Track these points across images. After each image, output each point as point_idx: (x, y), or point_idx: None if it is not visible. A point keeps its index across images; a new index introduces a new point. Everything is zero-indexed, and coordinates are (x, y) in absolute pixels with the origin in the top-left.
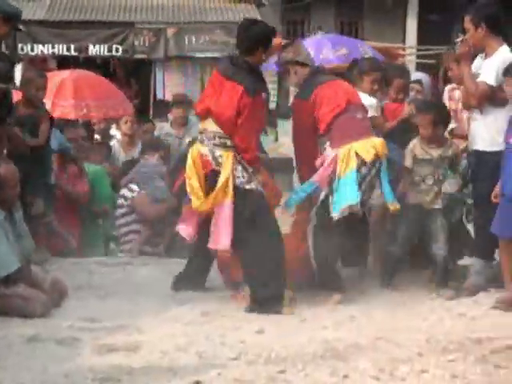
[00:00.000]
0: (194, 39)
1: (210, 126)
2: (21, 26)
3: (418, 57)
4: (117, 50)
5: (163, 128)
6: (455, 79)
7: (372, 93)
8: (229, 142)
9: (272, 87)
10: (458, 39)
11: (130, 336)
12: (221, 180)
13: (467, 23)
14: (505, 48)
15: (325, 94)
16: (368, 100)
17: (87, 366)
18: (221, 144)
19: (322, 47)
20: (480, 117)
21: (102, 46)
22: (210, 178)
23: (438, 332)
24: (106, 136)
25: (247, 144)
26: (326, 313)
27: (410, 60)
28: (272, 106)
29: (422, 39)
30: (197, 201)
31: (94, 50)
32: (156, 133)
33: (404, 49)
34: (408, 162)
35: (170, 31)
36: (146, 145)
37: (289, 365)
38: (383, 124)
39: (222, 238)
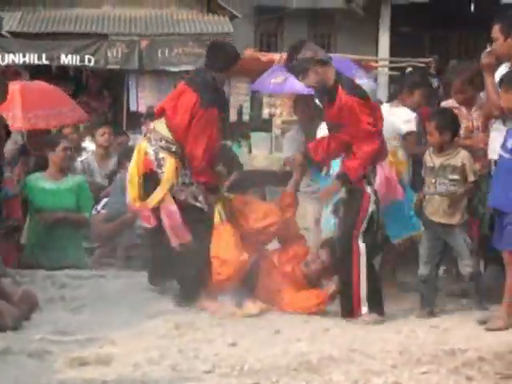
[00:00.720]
0: (167, 51)
1: (161, 127)
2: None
3: (391, 69)
4: (89, 61)
5: (137, 140)
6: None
7: (418, 107)
8: (174, 148)
9: (244, 99)
10: (487, 50)
11: (102, 349)
12: (162, 185)
13: (496, 32)
14: None
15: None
16: (410, 114)
17: (59, 379)
18: (166, 148)
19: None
20: (503, 127)
21: (74, 56)
22: (148, 178)
23: (411, 344)
24: (78, 148)
25: (195, 152)
26: (300, 324)
27: (383, 72)
28: (245, 118)
29: (394, 51)
30: (131, 194)
31: (65, 59)
32: (130, 144)
33: (377, 61)
34: (422, 172)
35: (144, 43)
36: (123, 157)
37: (262, 377)
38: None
39: (181, 234)
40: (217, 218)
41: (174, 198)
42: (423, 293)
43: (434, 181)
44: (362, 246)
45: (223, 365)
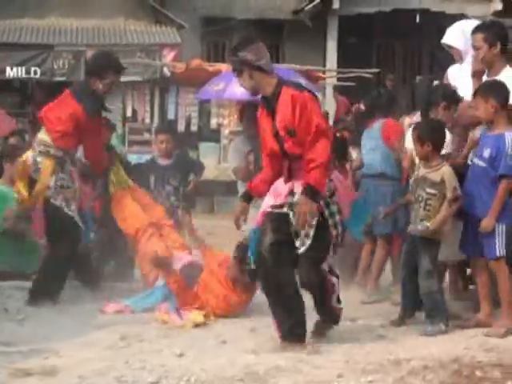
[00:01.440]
0: None
1: (41, 133)
2: None
3: (338, 79)
4: (35, 73)
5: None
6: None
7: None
8: (52, 151)
9: (193, 109)
10: (479, 57)
11: (47, 360)
12: (37, 186)
13: (479, 41)
14: (509, 68)
15: None
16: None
17: None
18: (44, 151)
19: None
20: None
21: (19, 68)
22: (30, 182)
23: (357, 354)
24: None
25: (96, 159)
26: (247, 334)
27: (330, 82)
28: (193, 128)
29: (341, 62)
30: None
31: (11, 72)
32: None
33: (324, 71)
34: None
35: (90, 54)
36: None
37: None
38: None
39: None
40: (111, 187)
41: (49, 200)
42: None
43: (415, 190)
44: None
45: (170, 376)
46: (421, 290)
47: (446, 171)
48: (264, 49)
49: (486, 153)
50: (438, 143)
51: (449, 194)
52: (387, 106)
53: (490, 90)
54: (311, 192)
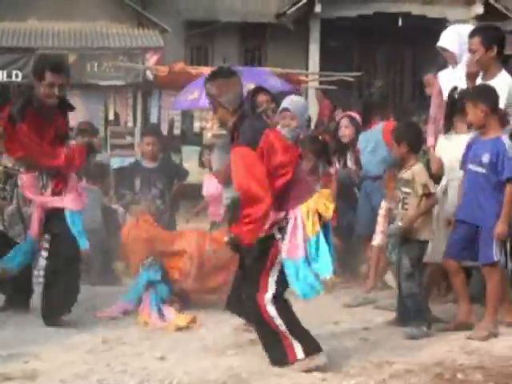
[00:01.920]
0: (96, 65)
1: None
2: None
3: (321, 83)
4: (17, 76)
5: None
6: None
7: None
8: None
9: (176, 113)
10: (473, 59)
11: (27, 364)
12: None
13: (476, 44)
14: (505, 72)
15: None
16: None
17: None
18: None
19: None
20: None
21: (0, 71)
22: None
23: (340, 356)
24: None
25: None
26: (229, 338)
27: (313, 86)
28: (176, 132)
29: (324, 65)
30: None
31: None
32: None
33: (307, 75)
34: None
35: (72, 57)
36: None
37: None
38: None
39: None
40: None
41: None
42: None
43: (397, 192)
44: (271, 310)
45: (152, 379)
46: (403, 292)
47: (415, 169)
48: (234, 84)
49: (485, 158)
50: (414, 144)
51: (419, 191)
52: (382, 106)
53: (479, 94)
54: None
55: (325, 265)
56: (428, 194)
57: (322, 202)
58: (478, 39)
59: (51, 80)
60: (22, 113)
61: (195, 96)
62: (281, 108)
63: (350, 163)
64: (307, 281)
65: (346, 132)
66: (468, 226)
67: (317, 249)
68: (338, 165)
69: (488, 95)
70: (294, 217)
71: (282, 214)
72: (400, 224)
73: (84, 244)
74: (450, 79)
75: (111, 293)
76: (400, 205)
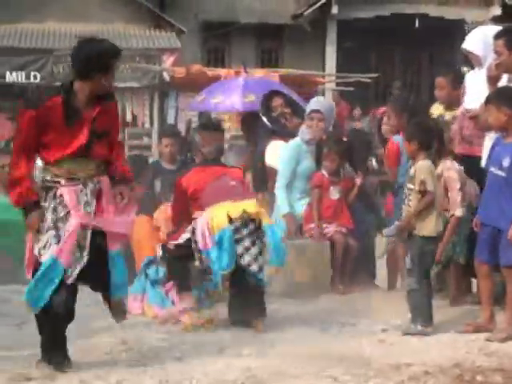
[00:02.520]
0: None
1: None
2: None
3: (338, 84)
4: (35, 77)
5: None
6: None
7: None
8: None
9: (193, 114)
10: (495, 62)
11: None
12: None
13: (500, 47)
14: None
15: None
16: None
17: None
18: None
19: (232, 93)
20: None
21: (19, 73)
22: None
23: (358, 358)
24: None
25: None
26: (248, 339)
27: (330, 87)
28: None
29: (340, 67)
30: None
31: (11, 77)
32: None
33: (323, 76)
34: None
35: None
36: None
37: None
38: None
39: None
40: None
41: None
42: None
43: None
44: None
45: (170, 380)
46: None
47: (418, 165)
48: (220, 138)
49: (506, 162)
50: (424, 142)
51: (416, 187)
52: (417, 108)
53: (502, 97)
54: None
55: (276, 257)
56: (424, 191)
57: (237, 207)
58: (503, 41)
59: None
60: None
61: (218, 100)
62: (309, 109)
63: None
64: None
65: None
66: (490, 228)
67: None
68: (374, 161)
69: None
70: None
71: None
72: (397, 223)
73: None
74: (474, 81)
75: None
76: (406, 201)
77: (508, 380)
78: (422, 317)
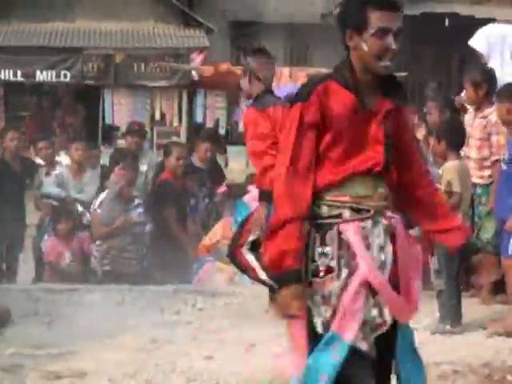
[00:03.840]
0: (142, 65)
1: None
2: None
3: None
4: (65, 76)
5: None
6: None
7: None
8: None
9: (221, 113)
10: None
11: (76, 363)
12: None
13: None
14: None
15: None
16: None
17: None
18: None
19: None
20: None
21: (49, 71)
22: None
23: None
24: (52, 162)
25: None
26: (275, 338)
27: None
28: (222, 131)
29: None
30: None
31: (41, 76)
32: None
33: None
34: None
35: (119, 57)
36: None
37: None
38: None
39: None
40: None
41: None
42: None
43: None
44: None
45: (198, 379)
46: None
47: (446, 165)
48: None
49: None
50: (453, 142)
51: (443, 187)
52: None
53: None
54: None
55: None
56: (450, 192)
57: None
58: None
59: (383, 24)
60: None
61: None
62: None
63: None
64: None
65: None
66: (502, 222)
67: None
68: None
69: None
70: None
71: None
72: None
73: None
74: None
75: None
76: None
77: None
78: (451, 316)
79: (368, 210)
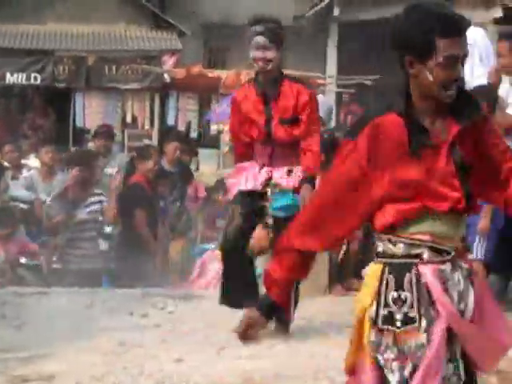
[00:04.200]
0: (114, 68)
1: None
2: None
3: (338, 86)
4: (35, 79)
5: None
6: None
7: None
8: None
9: (193, 116)
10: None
11: (44, 366)
12: None
13: (503, 48)
14: None
15: None
16: None
17: None
18: None
19: None
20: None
21: (20, 74)
22: None
23: None
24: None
25: None
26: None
27: (330, 89)
28: (193, 134)
29: (342, 69)
30: None
31: (11, 78)
32: None
33: (325, 78)
34: None
35: (91, 60)
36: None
37: None
38: None
39: None
40: None
41: None
42: None
43: None
44: None
45: (167, 381)
46: None
47: None
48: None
49: None
50: None
51: None
52: None
53: None
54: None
55: None
56: None
57: None
58: (507, 45)
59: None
60: None
61: None
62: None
63: None
64: None
65: None
66: None
67: None
68: None
69: None
70: None
71: None
72: None
73: None
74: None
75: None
76: None
77: None
78: None
79: (448, 252)
